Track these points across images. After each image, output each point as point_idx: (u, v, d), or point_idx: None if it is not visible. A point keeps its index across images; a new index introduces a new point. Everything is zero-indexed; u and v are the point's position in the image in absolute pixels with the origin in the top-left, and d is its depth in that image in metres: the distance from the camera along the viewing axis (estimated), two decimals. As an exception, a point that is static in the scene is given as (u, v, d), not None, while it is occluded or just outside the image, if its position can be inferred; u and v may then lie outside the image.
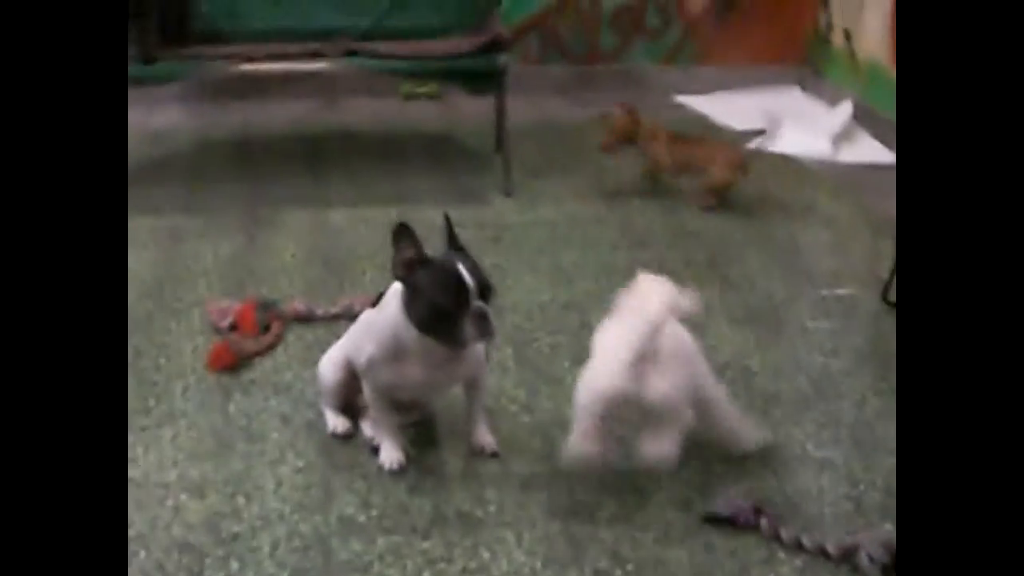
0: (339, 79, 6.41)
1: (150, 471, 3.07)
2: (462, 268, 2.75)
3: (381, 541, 2.81)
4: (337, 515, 2.90)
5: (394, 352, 2.88)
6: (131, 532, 2.82)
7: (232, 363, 3.59)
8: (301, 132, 6.23)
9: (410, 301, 2.82)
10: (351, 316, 3.59)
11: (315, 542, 2.81)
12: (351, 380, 3.15)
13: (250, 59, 5.06)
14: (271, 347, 3.72)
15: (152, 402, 3.42)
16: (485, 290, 2.77)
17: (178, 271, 4.33)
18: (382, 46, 5.16)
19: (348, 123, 6.36)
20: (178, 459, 3.13)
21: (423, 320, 2.79)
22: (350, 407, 3.25)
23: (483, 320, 2.75)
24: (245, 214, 4.91)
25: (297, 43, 5.19)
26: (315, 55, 5.11)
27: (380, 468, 3.06)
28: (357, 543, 2.80)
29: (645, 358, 2.75)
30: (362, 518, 2.89)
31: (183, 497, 2.98)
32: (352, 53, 5.11)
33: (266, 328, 3.77)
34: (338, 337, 3.29)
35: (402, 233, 2.80)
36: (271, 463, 3.11)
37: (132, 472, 3.06)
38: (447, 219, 2.90)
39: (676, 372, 2.80)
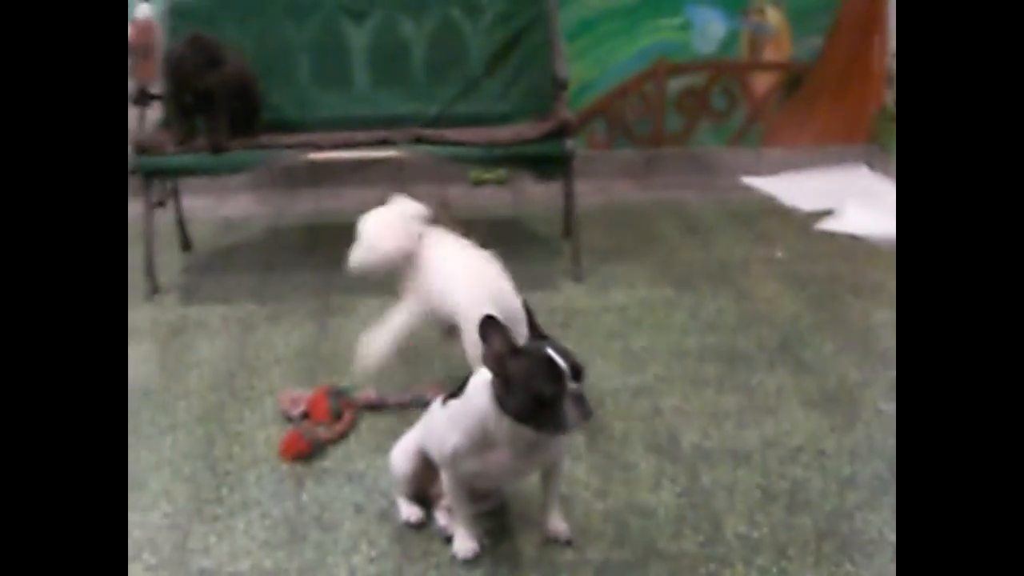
0: (407, 166, 6.46)
1: (223, 561, 3.08)
2: (553, 354, 2.74)
3: (455, 631, 2.80)
4: (411, 605, 2.90)
5: (482, 442, 2.85)
6: (206, 623, 2.83)
7: (305, 451, 3.60)
8: (371, 219, 6.25)
9: (504, 392, 2.78)
10: (422, 404, 3.60)
11: (389, 632, 2.80)
12: (424, 469, 3.14)
13: (319, 148, 5.11)
14: (343, 435, 3.73)
15: (225, 491, 3.43)
16: (577, 372, 2.75)
17: (250, 359, 4.36)
18: (450, 133, 5.19)
19: (417, 210, 6.39)
20: (251, 548, 3.13)
21: (521, 410, 2.74)
22: (423, 496, 3.24)
23: (581, 402, 2.73)
24: (316, 302, 4.94)
25: (365, 131, 5.24)
26: (383, 143, 5.14)
27: (454, 557, 3.05)
28: (431, 633, 2.79)
29: None
30: (436, 608, 2.89)
31: (257, 587, 2.99)
32: (420, 140, 5.14)
33: (338, 416, 3.77)
34: (410, 425, 3.29)
35: (489, 326, 2.76)
36: (344, 552, 3.11)
37: (205, 562, 3.07)
38: (526, 306, 2.90)
39: None
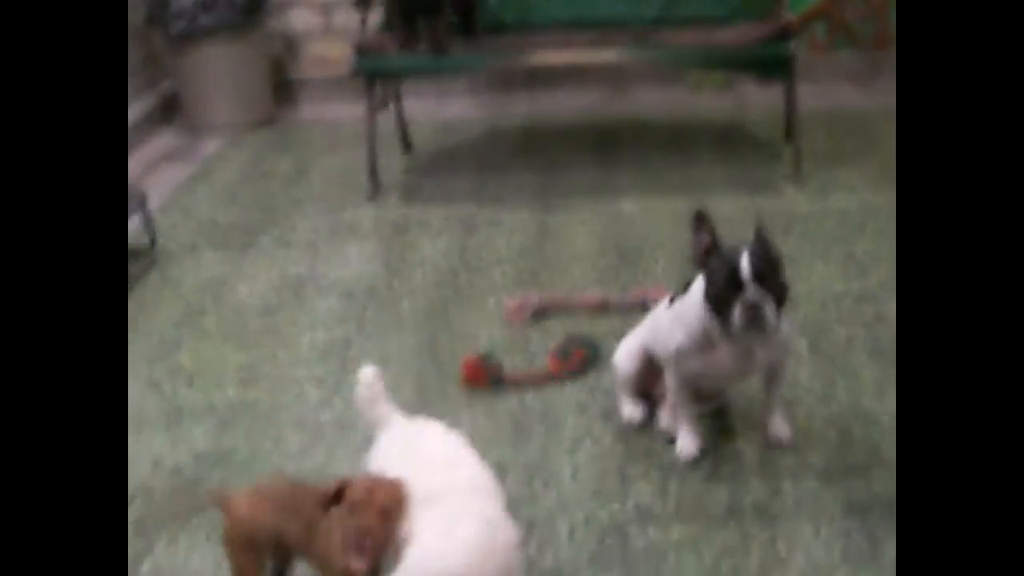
0: (626, 69, 6.43)
1: (450, 455, 3.15)
2: (744, 256, 2.75)
3: (677, 530, 2.83)
4: (633, 503, 2.94)
5: (703, 340, 2.89)
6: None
7: (483, 383, 3.51)
8: (589, 122, 6.25)
9: (704, 287, 2.85)
10: (645, 307, 3.61)
11: (612, 529, 2.85)
12: (647, 369, 3.17)
13: (539, 50, 5.11)
14: (540, 381, 3.55)
15: (450, 388, 3.50)
16: (763, 279, 2.75)
17: (471, 259, 4.42)
18: (670, 35, 5.14)
19: (636, 112, 6.36)
20: (477, 443, 3.18)
21: (707, 305, 2.83)
22: (645, 396, 3.27)
23: (754, 310, 2.74)
24: (535, 203, 4.98)
25: (584, 33, 5.21)
26: (603, 45, 5.11)
27: (676, 457, 3.09)
28: (654, 531, 2.83)
29: None
30: (658, 507, 2.92)
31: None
32: (640, 43, 5.10)
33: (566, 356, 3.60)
34: (633, 327, 3.32)
35: (699, 220, 2.84)
36: (568, 450, 3.16)
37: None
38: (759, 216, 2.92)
39: None
